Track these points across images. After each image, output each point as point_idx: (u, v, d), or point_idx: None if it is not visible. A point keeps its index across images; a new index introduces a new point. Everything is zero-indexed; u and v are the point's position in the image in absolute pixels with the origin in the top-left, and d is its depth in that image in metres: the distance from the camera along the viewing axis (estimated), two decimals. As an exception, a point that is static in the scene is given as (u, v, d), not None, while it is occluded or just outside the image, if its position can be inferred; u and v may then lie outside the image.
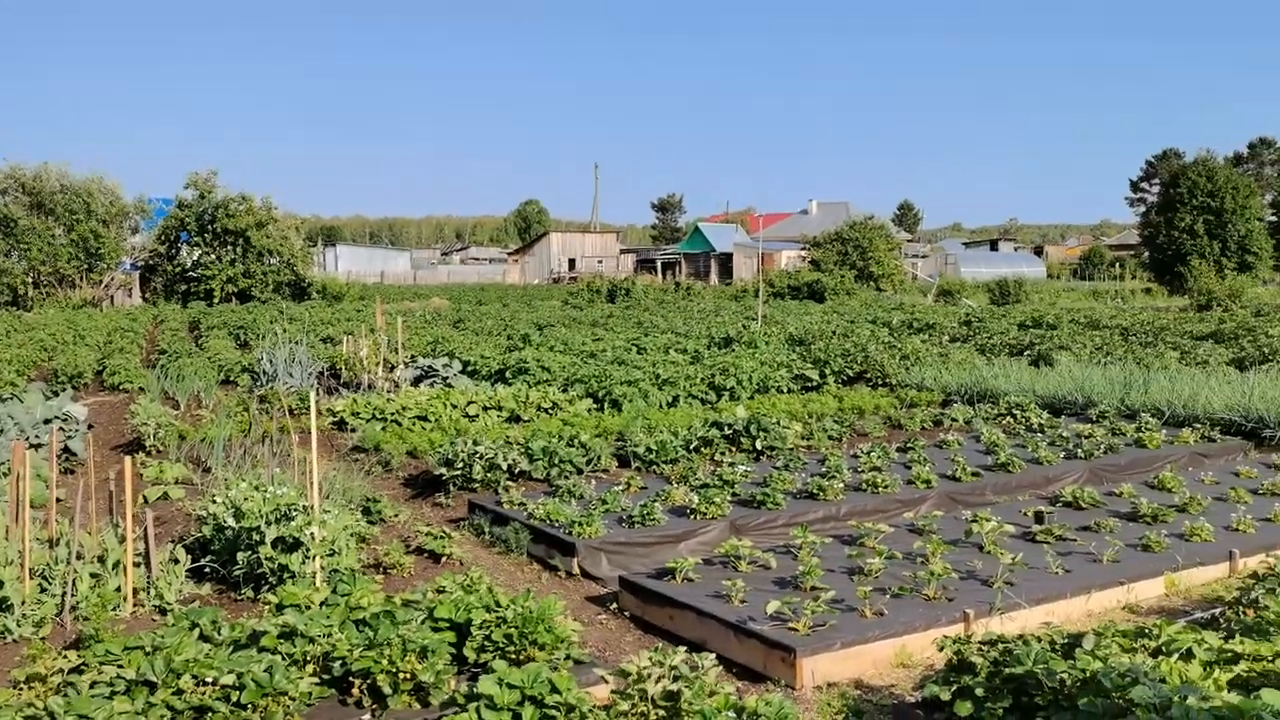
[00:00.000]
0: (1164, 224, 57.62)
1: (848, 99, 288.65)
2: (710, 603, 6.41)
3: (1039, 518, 8.15)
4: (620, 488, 9.37)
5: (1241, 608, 5.83)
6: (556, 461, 10.34)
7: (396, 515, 9.15)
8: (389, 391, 15.43)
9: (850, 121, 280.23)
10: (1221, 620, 5.88)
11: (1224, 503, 8.76)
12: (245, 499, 7.41)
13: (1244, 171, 70.45)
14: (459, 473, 9.96)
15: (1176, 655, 5.01)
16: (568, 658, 5.45)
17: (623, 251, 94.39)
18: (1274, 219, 65.79)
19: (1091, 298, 51.02)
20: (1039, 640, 5.23)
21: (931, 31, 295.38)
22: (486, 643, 5.44)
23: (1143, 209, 74.38)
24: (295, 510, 7.16)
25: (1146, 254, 64.54)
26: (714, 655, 4.95)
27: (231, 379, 18.69)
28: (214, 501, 7.65)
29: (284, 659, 5.20)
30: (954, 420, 13.20)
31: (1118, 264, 79.62)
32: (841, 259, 57.39)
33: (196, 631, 5.51)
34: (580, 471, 10.39)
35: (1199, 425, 11.97)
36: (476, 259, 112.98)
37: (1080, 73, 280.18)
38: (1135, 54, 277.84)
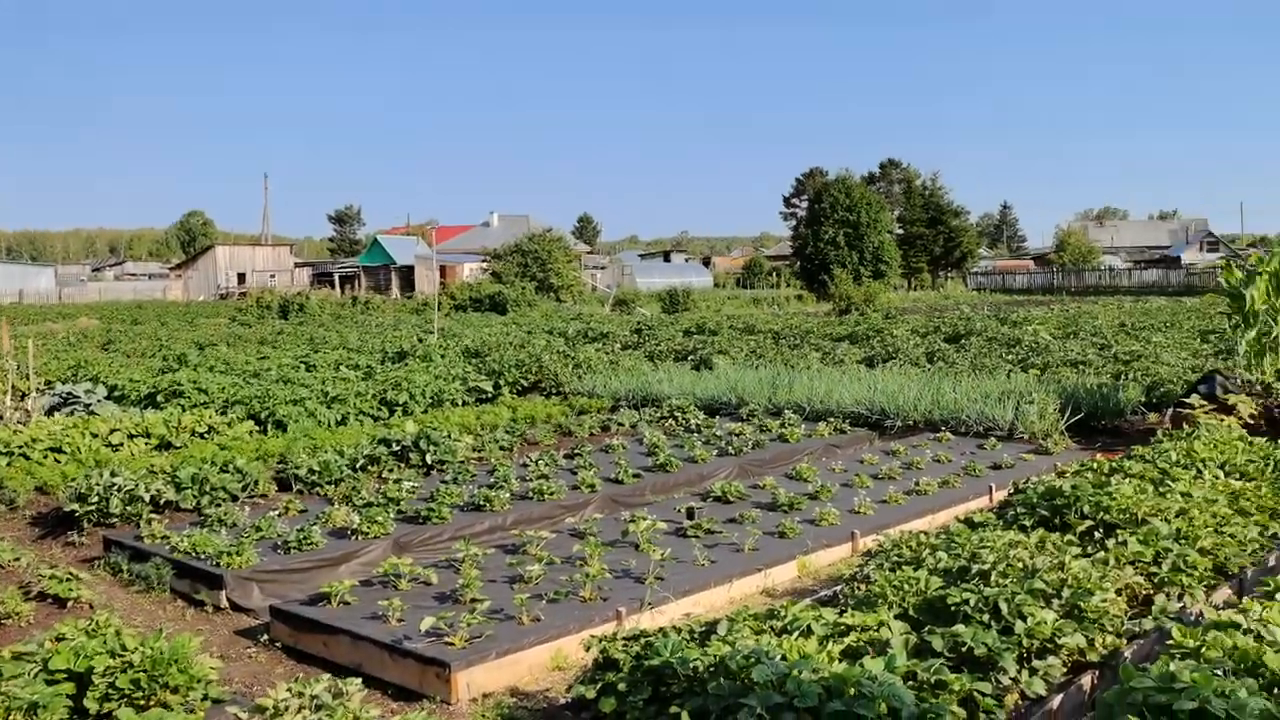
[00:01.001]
0: (811, 236, 63.00)
1: (529, 113, 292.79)
2: (366, 625, 6.25)
3: (690, 514, 8.63)
4: (277, 513, 8.96)
5: (856, 583, 6.45)
6: (208, 489, 9.70)
7: (17, 559, 8.20)
8: (19, 422, 13.84)
9: (532, 135, 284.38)
10: (840, 596, 6.48)
11: (850, 488, 9.67)
12: None
13: (876, 189, 78.37)
14: (94, 508, 9.09)
15: (798, 633, 5.47)
16: (205, 698, 5.13)
17: (298, 265, 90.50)
18: (901, 232, 73.62)
19: (752, 305, 54.86)
20: (679, 631, 5.54)
21: (600, 52, 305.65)
22: (111, 691, 5.00)
23: (794, 222, 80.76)
24: (-121, 564, 6.25)
25: (798, 264, 70.15)
26: (359, 680, 4.84)
27: None
28: None
29: None
30: (620, 425, 13.71)
31: (775, 273, 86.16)
32: (522, 271, 58.14)
33: None
34: (235, 499, 9.82)
35: (833, 419, 13.17)
36: (134, 275, 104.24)
37: (741, 90, 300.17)
38: (791, 77, 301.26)
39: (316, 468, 10.42)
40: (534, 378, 18.27)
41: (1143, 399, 13.46)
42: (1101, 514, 7.08)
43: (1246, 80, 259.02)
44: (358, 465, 10.92)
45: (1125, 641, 5.63)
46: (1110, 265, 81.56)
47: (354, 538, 8.19)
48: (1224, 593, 6.41)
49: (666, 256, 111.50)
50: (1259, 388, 11.33)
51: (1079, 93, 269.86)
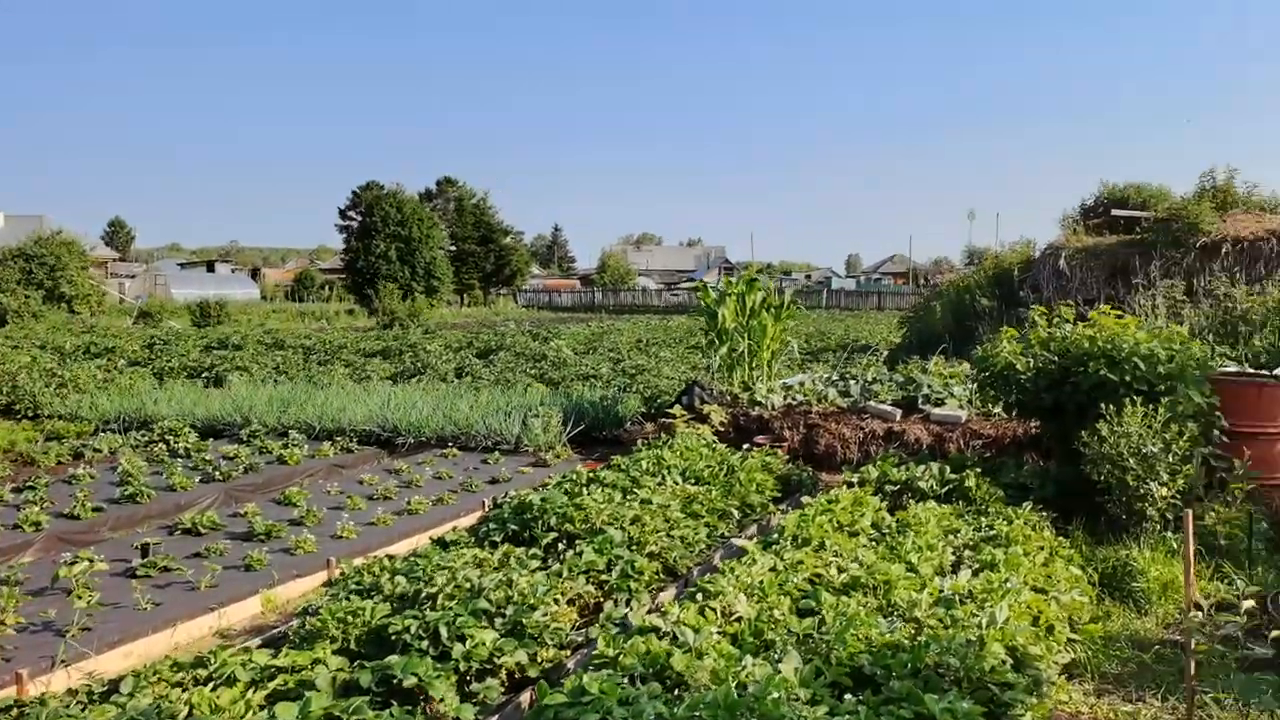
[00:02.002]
0: (363, 249, 61.59)
1: (51, 106, 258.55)
2: None
3: (144, 550, 7.68)
4: None
5: (309, 617, 6.00)
6: None
7: None
8: None
9: (53, 131, 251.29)
10: (290, 633, 6.00)
11: (341, 511, 9.19)
12: None
13: (433, 207, 78.48)
14: None
15: (220, 681, 4.92)
16: None
17: None
18: (454, 249, 74.33)
19: (299, 319, 52.48)
20: (75, 694, 4.78)
21: (142, 43, 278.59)
22: None
23: (347, 235, 78.52)
24: None
25: (351, 277, 68.26)
26: None
27: None
28: None
29: None
30: (99, 451, 12.15)
31: (328, 286, 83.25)
32: (26, 278, 50.98)
33: None
34: None
35: (343, 438, 12.64)
36: None
37: (305, 96, 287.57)
38: (357, 86, 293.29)
39: None
40: (6, 399, 15.82)
41: (644, 409, 14.33)
42: (566, 525, 7.25)
43: (759, 124, 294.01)
44: None
45: (570, 653, 5.70)
46: (645, 286, 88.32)
47: None
48: (669, 593, 6.76)
49: (210, 266, 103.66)
50: (729, 398, 12.48)
51: (617, 118, 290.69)
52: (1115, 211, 18.11)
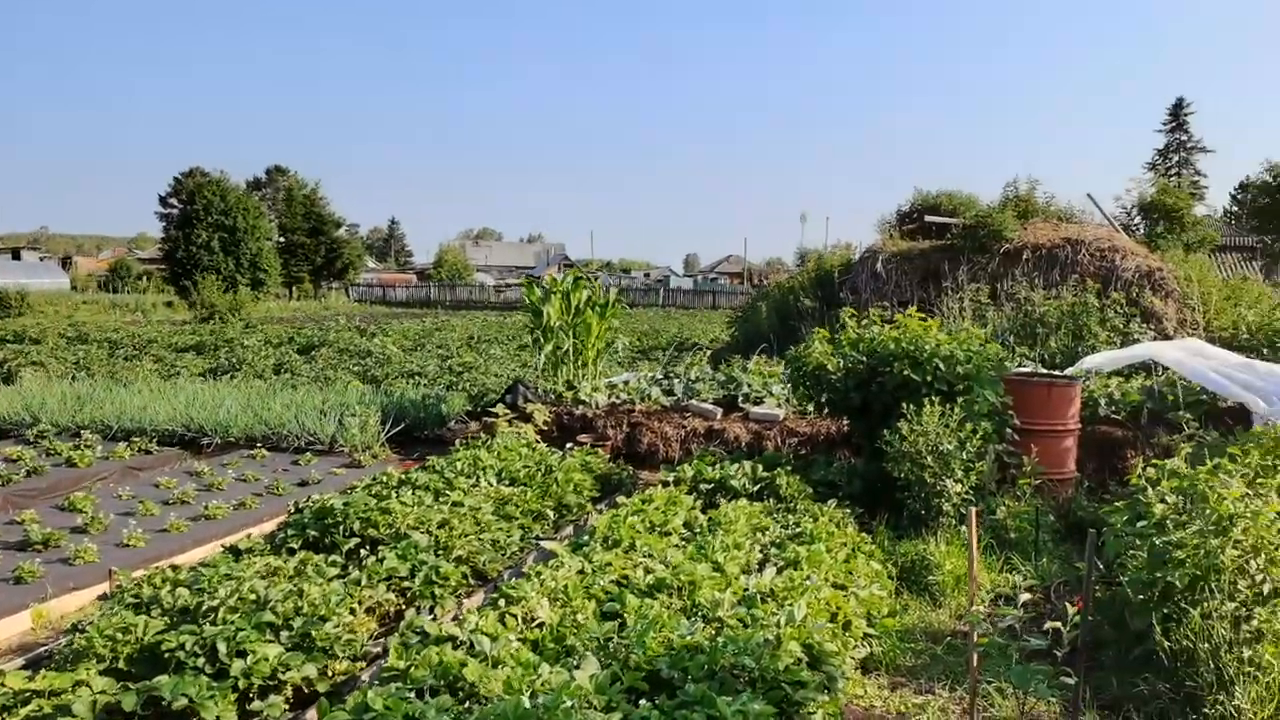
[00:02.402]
0: (183, 239, 58.62)
1: None
2: None
3: (-103, 566, 6.99)
4: None
5: (76, 634, 5.55)
6: None
7: None
8: None
9: None
10: (56, 653, 5.54)
11: (131, 517, 8.62)
12: None
13: (262, 196, 75.35)
14: None
15: (-37, 709, 4.48)
16: None
17: None
18: (283, 240, 71.59)
19: (112, 310, 49.48)
20: None
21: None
22: None
23: (169, 224, 74.56)
24: None
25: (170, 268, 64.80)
26: None
27: None
28: None
29: None
30: None
31: (146, 277, 78.91)
32: None
33: None
34: None
35: (142, 438, 11.90)
36: None
37: (125, 74, 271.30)
38: (182, 69, 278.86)
39: None
40: None
41: (470, 408, 14.03)
42: (370, 530, 6.97)
43: (602, 123, 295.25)
44: None
45: (366, 664, 5.47)
46: (483, 282, 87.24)
47: None
48: (478, 599, 6.58)
49: (16, 254, 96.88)
50: (553, 396, 12.35)
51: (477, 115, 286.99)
52: (928, 218, 18.87)
